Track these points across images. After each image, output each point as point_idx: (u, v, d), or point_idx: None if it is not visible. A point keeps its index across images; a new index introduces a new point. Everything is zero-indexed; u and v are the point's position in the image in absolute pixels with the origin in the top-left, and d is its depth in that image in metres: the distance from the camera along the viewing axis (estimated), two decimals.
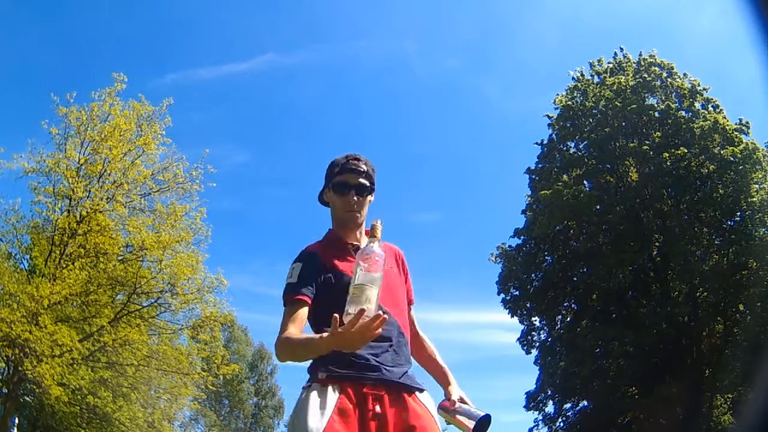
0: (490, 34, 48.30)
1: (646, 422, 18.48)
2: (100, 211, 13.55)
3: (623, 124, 19.95)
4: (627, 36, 41.83)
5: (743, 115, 18.81)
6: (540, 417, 20.74)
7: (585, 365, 18.38)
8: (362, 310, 1.74)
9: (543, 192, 19.82)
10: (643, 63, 20.37)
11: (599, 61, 21.33)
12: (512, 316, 21.27)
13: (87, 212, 13.34)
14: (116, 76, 13.77)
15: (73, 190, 13.09)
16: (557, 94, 21.34)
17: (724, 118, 18.61)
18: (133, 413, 14.10)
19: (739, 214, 17.83)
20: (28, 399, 13.95)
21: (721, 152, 17.80)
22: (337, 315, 1.77)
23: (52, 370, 11.49)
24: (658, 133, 18.96)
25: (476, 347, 55.87)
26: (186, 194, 14.35)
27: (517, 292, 21.33)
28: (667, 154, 18.06)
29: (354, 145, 55.65)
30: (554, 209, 19.14)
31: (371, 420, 1.96)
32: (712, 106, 19.31)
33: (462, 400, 2.19)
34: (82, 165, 13.46)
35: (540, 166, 21.55)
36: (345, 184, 2.21)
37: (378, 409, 1.98)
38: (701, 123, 18.51)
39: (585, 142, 20.78)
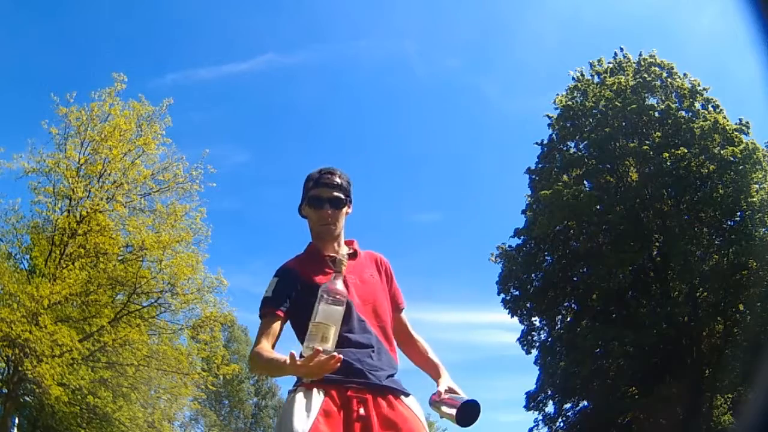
0: (490, 34, 48.33)
1: (646, 422, 18.48)
2: (100, 211, 13.56)
3: (623, 124, 19.95)
4: (627, 36, 41.86)
5: (743, 115, 18.84)
6: (540, 417, 20.76)
7: (585, 365, 18.38)
8: (317, 351, 1.83)
9: (543, 192, 19.82)
10: (643, 63, 20.37)
11: (599, 61, 21.34)
12: (512, 316, 21.29)
13: (87, 212, 13.35)
14: (116, 76, 13.81)
15: (73, 190, 13.09)
16: (557, 94, 21.36)
17: (724, 118, 18.62)
18: (133, 413, 14.11)
19: (739, 214, 17.83)
20: (28, 399, 13.96)
21: (721, 152, 17.80)
22: (293, 352, 1.89)
23: (52, 370, 11.49)
24: (658, 133, 18.96)
25: (476, 347, 55.96)
26: (186, 194, 14.38)
27: (517, 292, 21.33)
28: (667, 154, 18.06)
29: (354, 145, 55.62)
30: (554, 209, 19.14)
31: (356, 422, 1.99)
32: (712, 106, 19.31)
33: (451, 390, 2.17)
34: (82, 165, 13.47)
35: (540, 166, 21.55)
36: (319, 198, 2.25)
37: (362, 411, 2.01)
38: (701, 123, 18.51)
39: (585, 142, 20.78)
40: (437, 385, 2.23)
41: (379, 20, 50.62)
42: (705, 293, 18.38)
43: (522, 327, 21.50)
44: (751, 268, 17.13)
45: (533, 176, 21.64)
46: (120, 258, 14.23)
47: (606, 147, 19.85)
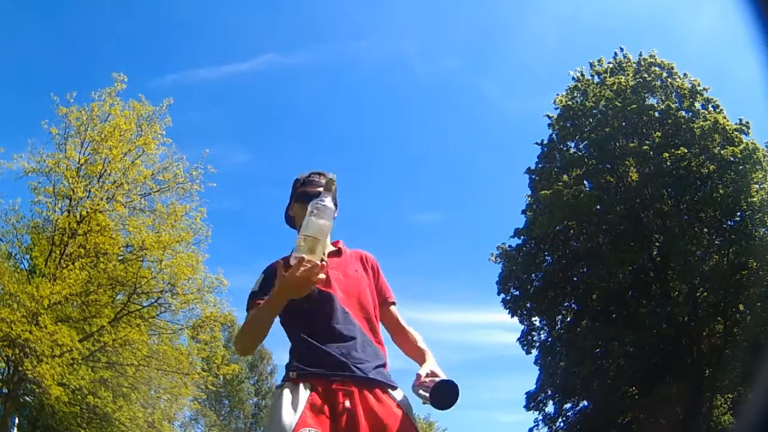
0: (490, 34, 48.35)
1: (646, 422, 18.48)
2: (100, 211, 13.56)
3: (623, 124, 19.95)
4: (627, 36, 41.87)
5: (743, 115, 18.83)
6: (540, 417, 20.76)
7: (585, 365, 18.37)
8: (302, 259, 1.91)
9: (543, 192, 19.82)
10: (643, 63, 20.37)
11: (599, 61, 21.34)
12: (512, 316, 21.29)
13: (87, 212, 13.35)
14: (116, 76, 13.81)
15: (73, 190, 13.09)
16: (557, 94, 21.36)
17: (724, 118, 18.61)
18: (133, 413, 14.11)
19: (739, 214, 17.82)
20: (28, 399, 13.96)
21: (721, 152, 17.80)
22: (282, 261, 1.99)
23: (52, 370, 11.49)
24: (658, 133, 18.96)
25: (476, 347, 56.07)
26: (186, 194, 14.38)
27: (517, 292, 21.33)
28: (667, 154, 18.06)
29: (354, 145, 55.62)
30: (554, 209, 19.13)
31: (341, 414, 2.01)
32: (712, 106, 19.31)
33: (432, 374, 2.13)
34: (82, 165, 13.47)
35: (540, 166, 21.55)
36: (307, 193, 2.34)
37: (348, 404, 2.03)
38: (701, 123, 18.50)
39: (585, 142, 20.77)
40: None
41: (380, 20, 50.66)
42: (705, 293, 18.37)
43: (522, 327, 21.53)
44: (751, 268, 17.12)
45: (533, 176, 21.63)
46: (120, 258, 14.22)
47: (606, 147, 19.85)
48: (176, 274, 13.63)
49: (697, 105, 19.47)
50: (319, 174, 2.39)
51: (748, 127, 18.51)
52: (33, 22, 29.32)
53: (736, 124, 18.53)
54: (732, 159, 17.66)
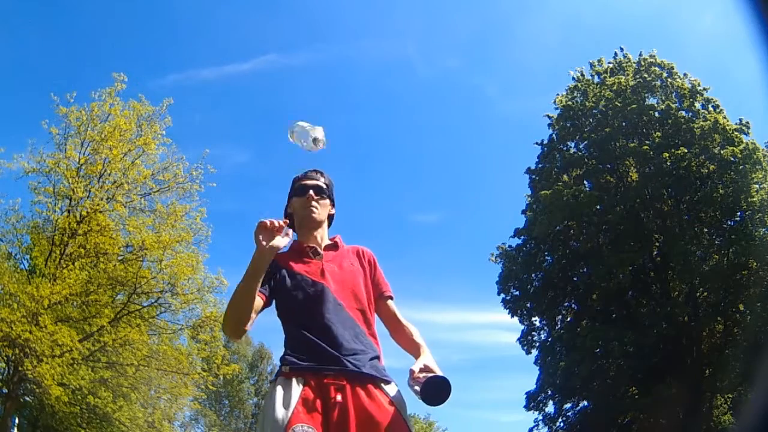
0: (490, 34, 48.37)
1: (646, 422, 18.47)
2: (100, 211, 13.56)
3: (623, 124, 19.95)
4: (627, 36, 41.92)
5: (743, 115, 18.82)
6: (540, 417, 20.75)
7: (585, 365, 18.36)
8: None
9: (543, 192, 19.81)
10: (643, 63, 20.36)
11: (599, 61, 21.33)
12: (512, 316, 21.28)
13: (87, 212, 13.35)
14: (116, 76, 13.80)
15: (73, 190, 13.09)
16: (557, 94, 21.36)
17: (724, 118, 18.61)
18: (133, 413, 14.11)
19: (739, 214, 17.82)
20: (28, 399, 13.95)
21: (721, 152, 17.79)
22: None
23: (52, 370, 11.49)
24: (658, 133, 18.96)
25: (476, 347, 56.08)
26: (186, 194, 14.37)
27: (517, 292, 21.33)
28: (667, 154, 18.05)
29: (354, 144, 55.60)
30: (554, 209, 19.13)
31: (333, 409, 2.02)
32: (712, 106, 19.30)
33: (426, 369, 2.09)
34: (82, 165, 13.46)
35: (540, 166, 21.54)
36: (303, 186, 2.42)
37: (339, 398, 2.04)
38: (701, 123, 18.50)
39: (585, 142, 20.77)
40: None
41: (380, 20, 50.68)
42: (705, 293, 18.37)
43: (522, 327, 21.52)
44: (751, 268, 17.12)
45: (533, 176, 21.63)
46: (120, 258, 14.22)
47: (606, 147, 19.85)
48: (176, 274, 13.62)
49: (697, 105, 19.46)
50: (316, 171, 2.45)
51: (748, 127, 18.51)
52: (33, 22, 29.36)
53: (736, 124, 18.53)
54: (732, 159, 17.65)
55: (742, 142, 17.95)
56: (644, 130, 19.62)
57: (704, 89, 19.58)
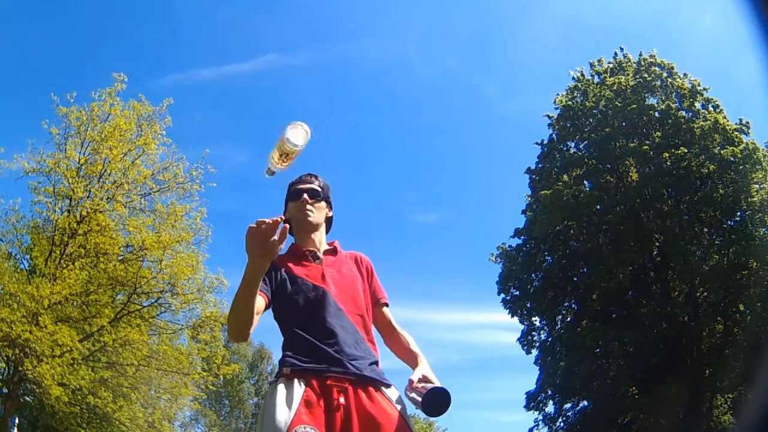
0: (490, 34, 48.37)
1: (646, 422, 18.47)
2: (100, 211, 13.56)
3: (623, 124, 19.95)
4: (627, 36, 41.90)
5: (743, 115, 18.82)
6: (540, 417, 20.75)
7: (585, 365, 18.36)
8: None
9: (543, 192, 19.81)
10: (643, 63, 20.36)
11: (599, 61, 21.33)
12: (512, 316, 21.28)
13: (87, 212, 13.35)
14: (116, 76, 13.80)
15: (73, 190, 13.09)
16: (557, 94, 21.36)
17: (724, 118, 18.60)
18: (134, 413, 14.11)
19: (739, 214, 17.82)
20: (28, 399, 13.95)
21: (721, 152, 17.79)
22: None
23: (52, 370, 11.49)
24: (658, 133, 18.96)
25: (476, 347, 56.09)
26: (186, 194, 14.37)
27: (517, 292, 21.33)
28: (667, 154, 18.05)
29: (355, 144, 55.64)
30: (554, 209, 19.13)
31: (336, 411, 2.00)
32: (712, 106, 19.30)
33: (424, 379, 2.11)
34: (82, 165, 13.46)
35: (540, 166, 21.54)
36: (298, 190, 2.41)
37: (342, 400, 2.02)
38: (701, 123, 18.50)
39: (585, 142, 20.77)
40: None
41: (380, 20, 50.69)
42: (705, 293, 18.37)
43: (522, 327, 21.53)
44: (751, 268, 17.12)
45: (533, 176, 21.63)
46: (120, 258, 14.22)
47: (606, 147, 19.85)
48: (176, 274, 13.62)
49: (697, 105, 19.46)
50: (310, 175, 2.45)
51: (748, 127, 18.50)
52: (33, 22, 29.35)
53: (736, 124, 18.52)
54: (732, 159, 17.65)
55: (742, 142, 17.94)
56: (644, 130, 19.62)
57: (704, 89, 19.58)
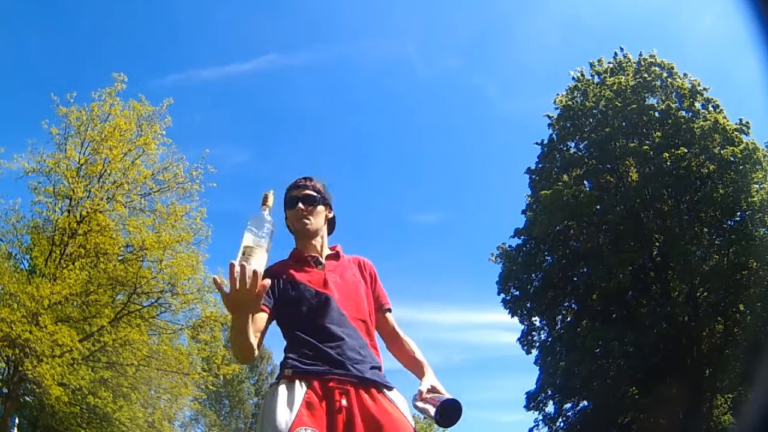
0: (490, 34, 48.37)
1: (646, 422, 18.48)
2: (100, 211, 13.55)
3: (623, 124, 19.95)
4: (627, 36, 41.88)
5: (743, 115, 18.84)
6: (540, 417, 20.77)
7: (585, 365, 18.37)
8: (232, 265, 1.80)
9: (543, 192, 19.82)
10: (643, 63, 20.37)
11: (599, 61, 21.34)
12: (512, 316, 21.29)
13: (87, 212, 13.34)
14: (116, 76, 13.78)
15: (73, 190, 13.08)
16: (557, 94, 21.37)
17: (724, 118, 18.61)
18: (134, 413, 14.10)
19: (739, 214, 17.83)
20: (28, 399, 13.95)
21: (721, 152, 17.80)
22: (216, 277, 1.96)
23: (52, 370, 11.48)
24: (658, 133, 18.96)
25: (476, 347, 56.04)
26: (186, 194, 14.35)
27: (517, 292, 21.34)
28: (667, 154, 18.06)
29: (355, 144, 55.64)
30: (554, 209, 19.14)
31: (338, 413, 2.00)
32: (712, 106, 19.31)
33: (433, 390, 2.14)
34: (82, 165, 13.45)
35: (540, 166, 21.55)
36: (292, 198, 2.38)
37: (344, 402, 2.02)
38: (701, 123, 18.51)
39: (585, 142, 20.78)
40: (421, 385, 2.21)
41: (380, 20, 50.70)
42: (705, 293, 18.37)
43: (522, 327, 21.55)
44: (751, 268, 17.12)
45: (533, 176, 21.64)
46: (120, 258, 14.21)
47: (606, 147, 19.86)
48: (176, 274, 13.61)
49: (697, 105, 19.47)
50: (305, 178, 2.42)
51: (748, 127, 18.51)
52: (33, 22, 29.35)
53: (736, 124, 18.53)
54: (732, 159, 17.66)
55: (742, 142, 17.95)
56: (644, 130, 19.63)
57: (704, 89, 19.59)
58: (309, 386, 2.06)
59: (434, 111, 51.09)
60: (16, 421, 14.83)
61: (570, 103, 20.86)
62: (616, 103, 19.56)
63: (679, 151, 17.97)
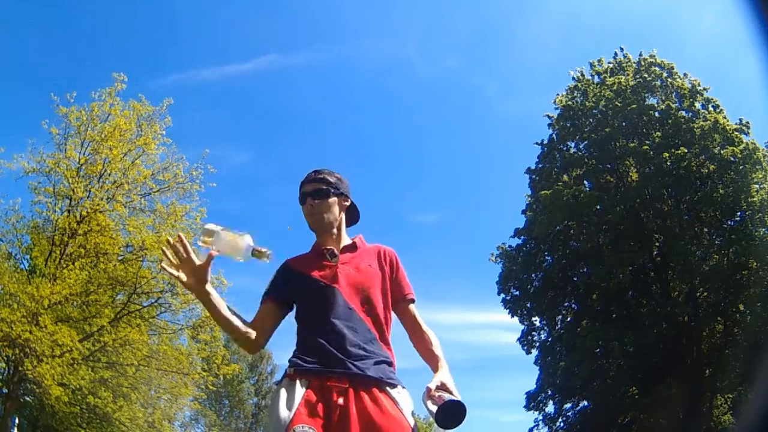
0: (490, 34, 48.41)
1: (646, 422, 18.48)
2: (100, 211, 13.55)
3: (623, 124, 19.95)
4: (627, 36, 41.90)
5: (743, 115, 18.82)
6: (540, 417, 20.76)
7: (585, 365, 18.37)
8: (179, 236, 2.15)
9: (543, 192, 19.82)
10: (643, 63, 20.36)
11: (599, 61, 21.33)
12: (512, 316, 21.28)
13: (87, 212, 13.34)
14: (116, 76, 13.78)
15: (73, 190, 13.08)
16: (557, 94, 21.35)
17: (724, 118, 18.60)
18: (134, 413, 14.10)
19: (739, 214, 17.82)
20: (28, 399, 13.95)
21: (721, 152, 17.79)
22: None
23: (52, 370, 11.48)
24: (658, 133, 18.96)
25: (476, 347, 55.97)
26: (186, 194, 14.35)
27: (517, 292, 21.33)
28: (667, 154, 18.05)
29: (355, 144, 55.64)
30: (554, 209, 19.13)
31: (334, 411, 2.03)
32: (712, 106, 19.30)
33: (443, 387, 2.07)
34: (82, 165, 13.45)
35: (540, 166, 21.55)
36: (303, 194, 2.39)
37: (341, 401, 2.04)
38: (701, 123, 18.50)
39: (585, 142, 20.77)
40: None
41: (380, 20, 50.74)
42: (705, 293, 18.37)
43: (522, 327, 21.53)
44: (751, 268, 17.12)
45: (533, 176, 21.63)
46: (120, 258, 14.21)
47: (606, 147, 19.85)
48: None
49: (697, 105, 19.46)
50: (315, 171, 2.41)
51: (748, 127, 18.50)
52: (33, 22, 29.35)
53: (736, 124, 18.52)
54: (732, 159, 17.65)
55: (742, 142, 17.94)
56: (644, 130, 19.62)
57: (704, 89, 19.58)
58: (309, 384, 2.09)
59: (434, 111, 51.20)
60: (16, 421, 14.83)
61: (570, 103, 20.86)
62: (616, 103, 19.56)
63: (679, 151, 17.96)
